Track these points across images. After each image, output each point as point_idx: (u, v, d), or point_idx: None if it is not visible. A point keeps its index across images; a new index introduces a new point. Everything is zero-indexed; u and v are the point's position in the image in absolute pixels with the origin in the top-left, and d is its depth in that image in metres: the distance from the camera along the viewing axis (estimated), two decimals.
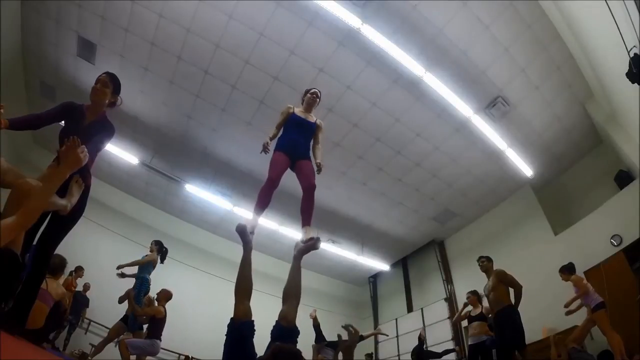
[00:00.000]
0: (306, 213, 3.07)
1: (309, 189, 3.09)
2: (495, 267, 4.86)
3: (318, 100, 3.70)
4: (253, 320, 2.39)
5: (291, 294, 2.56)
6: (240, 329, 2.31)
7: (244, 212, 9.08)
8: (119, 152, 7.97)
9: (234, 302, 2.44)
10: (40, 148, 8.57)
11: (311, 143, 3.49)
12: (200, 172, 8.49)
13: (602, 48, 4.87)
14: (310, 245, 2.81)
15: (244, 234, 2.75)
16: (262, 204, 3.04)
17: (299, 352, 1.71)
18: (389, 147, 7.45)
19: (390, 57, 5.66)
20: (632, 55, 3.49)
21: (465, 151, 7.50)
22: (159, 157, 8.23)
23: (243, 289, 2.50)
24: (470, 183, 8.28)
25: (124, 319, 5.57)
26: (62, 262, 3.99)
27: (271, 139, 3.38)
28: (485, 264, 4.89)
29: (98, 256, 7.32)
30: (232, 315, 2.38)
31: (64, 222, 2.59)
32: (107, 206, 9.10)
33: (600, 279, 5.56)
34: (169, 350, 7.79)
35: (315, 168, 3.28)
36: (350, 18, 5.16)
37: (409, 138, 7.26)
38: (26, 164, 8.21)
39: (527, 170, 7.61)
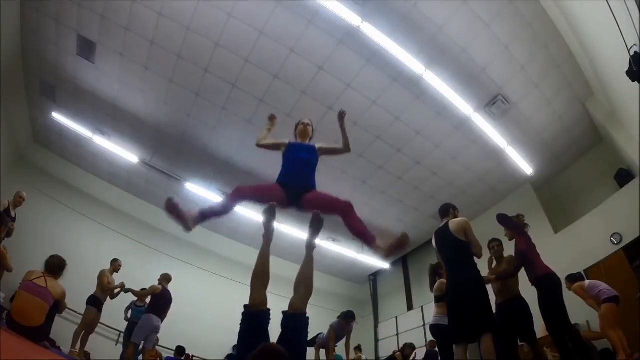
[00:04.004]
0: (361, 233, 2.54)
1: (345, 210, 2.57)
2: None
3: (311, 129, 3.41)
4: (269, 309, 2.37)
5: (300, 285, 2.54)
6: (255, 317, 2.30)
7: (244, 211, 9.09)
8: (119, 150, 7.99)
9: (250, 291, 2.41)
10: (41, 147, 8.58)
11: (314, 168, 3.04)
12: (200, 171, 8.50)
13: (602, 46, 4.86)
14: (401, 244, 2.34)
15: (270, 216, 2.65)
16: (219, 211, 2.57)
17: (283, 351, 1.71)
18: (389, 145, 7.45)
19: (390, 55, 5.65)
20: (632, 53, 3.48)
21: (465, 149, 7.49)
22: (159, 156, 8.23)
23: (261, 278, 2.47)
24: (470, 181, 8.28)
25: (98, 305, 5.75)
26: (61, 263, 4.00)
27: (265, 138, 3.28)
28: (499, 248, 4.55)
29: (98, 255, 7.33)
30: (236, 317, 2.35)
31: None
32: (107, 205, 9.13)
33: (600, 277, 5.54)
34: (168, 349, 7.82)
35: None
36: (350, 16, 5.15)
37: (409, 136, 7.26)
38: (26, 163, 8.24)
39: (527, 168, 7.61)
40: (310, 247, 2.79)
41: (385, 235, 2.48)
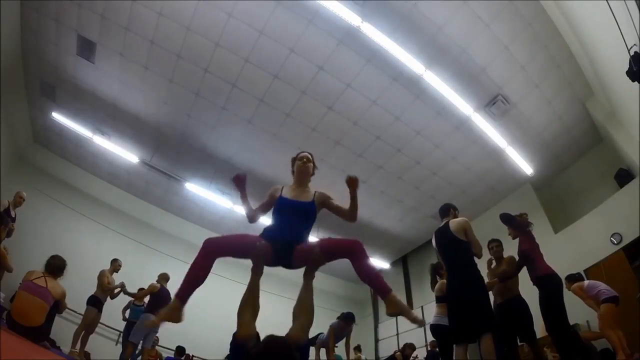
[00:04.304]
0: (377, 279, 2.20)
1: (356, 251, 2.22)
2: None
3: (311, 165, 2.72)
4: (258, 336, 2.19)
5: (300, 313, 2.26)
6: (243, 346, 2.15)
7: (244, 211, 9.08)
8: (119, 150, 7.99)
9: (237, 321, 2.20)
10: (41, 147, 8.58)
11: (309, 228, 2.55)
12: (200, 171, 8.50)
13: (602, 46, 4.86)
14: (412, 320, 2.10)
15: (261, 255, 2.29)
16: (195, 281, 2.28)
17: (289, 344, 1.68)
18: (389, 145, 7.45)
19: (390, 55, 5.65)
20: (632, 53, 3.48)
21: (465, 149, 7.49)
22: (159, 156, 8.23)
23: (250, 310, 2.23)
24: (470, 181, 8.28)
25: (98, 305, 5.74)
26: (61, 263, 4.00)
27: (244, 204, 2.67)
28: (498, 249, 4.53)
29: (98, 255, 7.33)
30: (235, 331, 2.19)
31: None
32: (107, 205, 9.13)
33: (600, 277, 5.55)
34: (169, 349, 7.82)
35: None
36: (350, 16, 5.15)
37: (409, 136, 7.25)
38: (26, 163, 8.24)
39: (527, 168, 7.61)
40: (309, 276, 2.42)
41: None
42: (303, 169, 2.68)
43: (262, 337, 1.98)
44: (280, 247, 2.32)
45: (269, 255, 2.31)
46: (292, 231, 2.42)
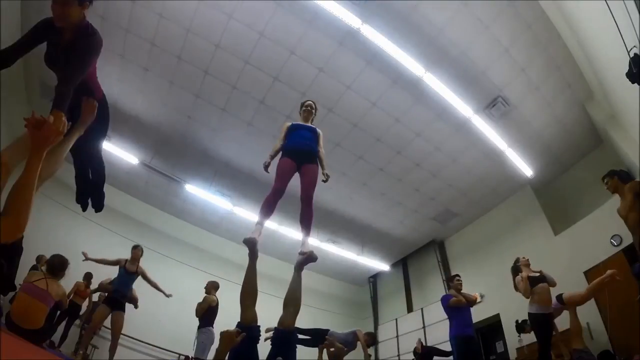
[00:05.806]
0: (303, 224, 3.14)
1: (304, 200, 3.14)
2: (492, 267, 4.76)
3: (314, 111, 3.88)
4: (259, 326, 2.55)
5: (290, 303, 2.72)
6: (248, 332, 2.40)
7: (244, 212, 9.08)
8: (119, 152, 7.98)
9: (240, 308, 2.58)
10: None
11: (316, 146, 3.56)
12: (200, 172, 8.49)
13: (602, 48, 4.87)
14: (306, 258, 2.91)
15: (253, 246, 2.85)
16: (266, 213, 3.09)
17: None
18: (389, 147, 7.45)
19: (390, 57, 5.66)
20: (632, 55, 3.48)
21: (465, 151, 7.50)
22: (159, 157, 8.22)
23: (249, 295, 2.65)
24: (470, 183, 8.28)
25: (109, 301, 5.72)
26: (63, 263, 3.98)
27: (272, 156, 3.44)
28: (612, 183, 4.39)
29: (96, 256, 7.31)
30: (238, 320, 2.54)
31: (95, 131, 2.69)
32: (107, 206, 9.03)
33: None
34: (169, 351, 7.79)
35: (322, 177, 3.36)
36: (350, 18, 5.16)
37: (409, 138, 7.26)
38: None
39: (527, 170, 7.61)
40: (299, 268, 2.93)
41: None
42: (307, 114, 3.84)
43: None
44: (298, 154, 3.35)
45: (292, 167, 3.30)
46: (305, 139, 3.49)
